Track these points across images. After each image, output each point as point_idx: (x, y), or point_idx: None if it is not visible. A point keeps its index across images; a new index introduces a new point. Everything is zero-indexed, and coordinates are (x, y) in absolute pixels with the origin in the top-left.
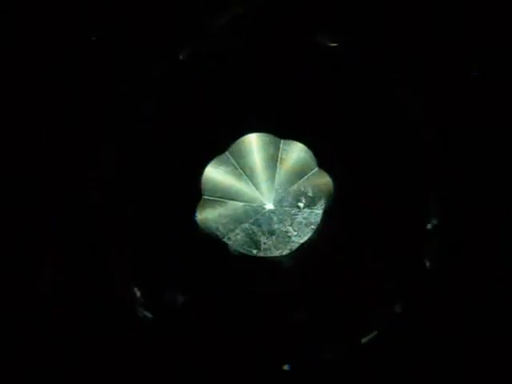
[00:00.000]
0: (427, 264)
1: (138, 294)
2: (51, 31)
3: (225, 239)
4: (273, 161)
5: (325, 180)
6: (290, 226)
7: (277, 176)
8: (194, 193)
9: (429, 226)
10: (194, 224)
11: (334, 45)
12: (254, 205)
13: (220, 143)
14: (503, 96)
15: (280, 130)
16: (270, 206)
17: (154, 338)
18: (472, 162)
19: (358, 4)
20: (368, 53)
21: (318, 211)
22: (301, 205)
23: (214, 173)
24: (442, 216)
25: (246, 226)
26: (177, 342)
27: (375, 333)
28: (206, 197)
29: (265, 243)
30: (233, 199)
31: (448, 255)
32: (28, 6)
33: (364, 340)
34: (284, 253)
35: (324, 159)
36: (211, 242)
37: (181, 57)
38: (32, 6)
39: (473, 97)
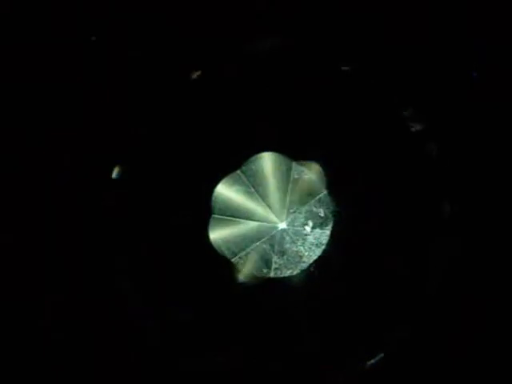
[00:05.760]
0: (435, 286)
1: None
2: (51, 31)
3: (235, 258)
4: (285, 180)
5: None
6: (302, 245)
7: (289, 195)
8: (204, 211)
9: (436, 247)
10: (204, 242)
11: (346, 68)
12: (267, 224)
13: (232, 161)
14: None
15: (291, 149)
16: (282, 226)
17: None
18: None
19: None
20: (378, 75)
21: (328, 232)
22: (310, 225)
23: (226, 191)
24: (449, 234)
25: (258, 244)
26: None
27: (381, 355)
28: (216, 216)
29: (276, 263)
30: (245, 218)
31: (456, 275)
32: (28, 5)
33: (369, 362)
34: (294, 273)
35: (334, 180)
36: (220, 261)
37: (194, 76)
38: (32, 5)
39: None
